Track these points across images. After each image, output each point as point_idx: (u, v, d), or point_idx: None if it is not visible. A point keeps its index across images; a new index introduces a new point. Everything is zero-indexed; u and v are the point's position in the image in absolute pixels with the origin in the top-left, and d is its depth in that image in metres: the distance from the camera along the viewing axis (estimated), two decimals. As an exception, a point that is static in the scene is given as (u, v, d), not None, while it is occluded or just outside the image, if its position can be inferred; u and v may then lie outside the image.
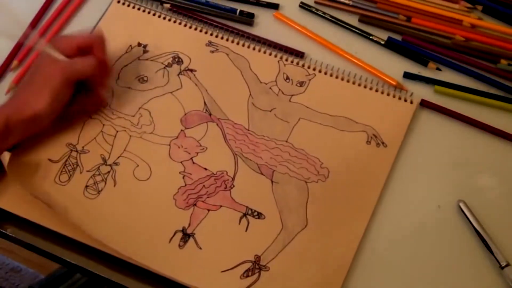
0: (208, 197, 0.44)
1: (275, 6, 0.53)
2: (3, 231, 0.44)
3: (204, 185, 0.45)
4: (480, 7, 0.52)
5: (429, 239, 0.43)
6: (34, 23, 0.53)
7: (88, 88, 0.46)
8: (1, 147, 0.42)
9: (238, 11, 0.52)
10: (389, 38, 0.51)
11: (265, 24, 0.52)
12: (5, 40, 0.51)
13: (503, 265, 0.41)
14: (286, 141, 0.47)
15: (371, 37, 0.51)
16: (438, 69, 0.50)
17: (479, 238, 0.42)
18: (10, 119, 0.41)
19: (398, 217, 0.44)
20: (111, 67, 0.47)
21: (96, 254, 0.42)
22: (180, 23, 0.52)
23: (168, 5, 0.53)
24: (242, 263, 0.42)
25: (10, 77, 0.50)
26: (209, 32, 0.51)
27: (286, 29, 0.52)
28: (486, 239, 0.42)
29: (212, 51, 0.51)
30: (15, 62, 0.51)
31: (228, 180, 0.45)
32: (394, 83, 0.49)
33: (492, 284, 0.41)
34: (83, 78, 0.44)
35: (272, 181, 0.45)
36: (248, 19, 0.52)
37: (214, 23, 0.52)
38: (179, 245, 0.42)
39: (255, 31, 0.52)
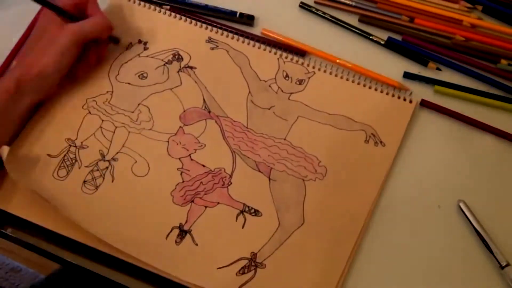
0: (205, 194, 0.44)
1: (250, 22, 0.52)
2: (3, 231, 0.44)
3: (201, 182, 0.45)
4: (480, 7, 0.52)
5: (429, 239, 0.42)
6: (35, 21, 0.53)
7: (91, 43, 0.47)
8: (17, 109, 0.44)
9: (238, 13, 0.52)
10: (389, 38, 0.51)
11: (265, 25, 0.53)
12: (6, 39, 0.52)
13: (503, 265, 0.41)
14: (285, 139, 0.46)
15: (371, 37, 0.51)
16: (438, 69, 0.50)
17: (479, 238, 0.42)
18: (20, 80, 0.43)
19: (397, 216, 0.43)
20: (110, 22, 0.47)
21: (96, 254, 0.42)
22: (180, 19, 0.52)
23: (167, 7, 0.53)
24: (238, 260, 0.41)
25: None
26: (209, 28, 0.52)
27: (286, 31, 0.52)
28: (486, 239, 0.41)
29: (212, 48, 0.51)
30: (14, 63, 0.51)
31: (225, 177, 0.45)
32: (396, 84, 0.49)
33: (492, 284, 0.41)
34: (91, 40, 0.45)
35: (269, 179, 0.45)
36: (248, 20, 0.52)
37: (214, 24, 0.52)
38: (176, 242, 0.42)
39: (256, 31, 0.52)
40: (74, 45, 0.44)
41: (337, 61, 0.50)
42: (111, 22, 0.47)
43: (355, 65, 0.50)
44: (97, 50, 0.48)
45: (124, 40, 0.51)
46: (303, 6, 0.53)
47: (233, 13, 0.53)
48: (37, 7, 0.54)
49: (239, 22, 0.52)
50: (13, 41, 0.52)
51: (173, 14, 0.52)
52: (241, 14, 0.52)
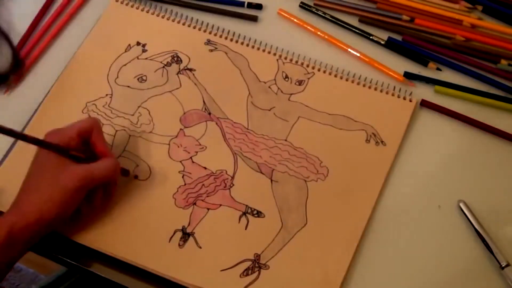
0: (207, 196, 0.44)
1: (254, 18, 0.52)
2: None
3: (203, 184, 0.45)
4: (480, 7, 0.52)
5: (429, 239, 0.43)
6: (34, 24, 0.53)
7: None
8: (5, 259, 0.37)
9: (246, 3, 0.52)
10: (389, 38, 0.51)
11: (269, 20, 0.52)
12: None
13: (503, 265, 0.41)
14: (285, 140, 0.46)
15: (371, 37, 0.51)
16: (438, 69, 0.50)
17: (479, 238, 0.42)
18: (13, 228, 0.37)
19: (397, 216, 0.44)
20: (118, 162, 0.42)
21: (96, 254, 0.42)
22: (178, 22, 0.52)
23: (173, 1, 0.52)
24: (241, 261, 0.42)
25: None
26: (208, 30, 0.51)
27: (289, 26, 0.52)
28: (486, 239, 0.42)
29: (211, 50, 0.51)
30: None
31: (227, 179, 0.45)
32: (400, 78, 0.49)
33: (492, 284, 0.41)
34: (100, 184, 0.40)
35: (271, 180, 0.45)
36: (254, 14, 0.52)
37: (213, 26, 0.52)
38: (179, 245, 0.42)
39: (259, 27, 0.52)
40: (80, 192, 0.38)
41: (349, 50, 0.50)
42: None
43: (363, 54, 0.50)
44: (106, 191, 0.42)
45: (123, 42, 0.51)
46: (303, 6, 0.53)
47: (240, 3, 0.52)
48: (37, 7, 0.53)
49: (243, 17, 0.52)
50: (14, 40, 0.51)
51: (171, 18, 0.52)
52: (249, 3, 0.52)
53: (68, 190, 0.38)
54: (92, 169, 0.39)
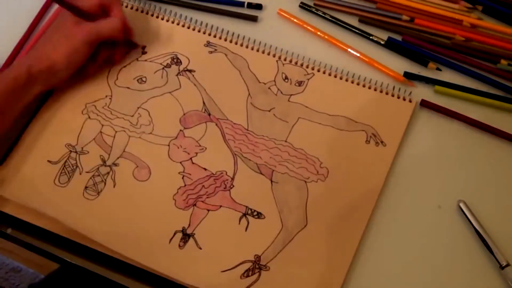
0: (207, 197, 0.44)
1: (254, 19, 0.52)
2: (3, 231, 0.44)
3: (203, 185, 0.45)
4: (480, 7, 0.52)
5: (429, 239, 0.43)
6: (34, 24, 0.53)
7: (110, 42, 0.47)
8: (25, 98, 0.44)
9: (246, 3, 0.52)
10: (389, 38, 0.51)
11: (269, 20, 0.52)
12: (6, 40, 0.51)
13: (503, 265, 0.41)
14: (285, 141, 0.46)
15: (371, 37, 0.51)
16: (438, 69, 0.50)
17: (479, 238, 0.42)
18: (31, 70, 0.43)
19: (398, 217, 0.44)
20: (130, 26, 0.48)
21: (96, 254, 0.42)
22: (178, 24, 0.52)
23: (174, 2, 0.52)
24: (242, 263, 0.42)
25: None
26: (207, 32, 0.51)
27: (289, 26, 0.52)
28: (486, 239, 0.42)
29: (211, 52, 0.50)
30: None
31: (227, 180, 0.45)
32: (400, 78, 0.49)
33: (492, 284, 0.41)
34: (105, 40, 0.46)
35: (271, 181, 0.45)
36: (253, 14, 0.52)
37: (212, 27, 0.52)
38: (179, 246, 0.42)
39: (259, 27, 0.52)
40: (87, 44, 0.45)
41: (348, 50, 0.50)
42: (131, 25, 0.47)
43: (363, 54, 0.50)
44: (110, 51, 0.48)
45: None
46: (303, 6, 0.53)
47: (240, 3, 0.52)
48: (37, 6, 0.53)
49: (243, 17, 0.52)
50: (13, 41, 0.51)
51: (170, 19, 0.52)
52: (249, 4, 0.52)
53: (76, 42, 0.44)
54: (97, 24, 0.45)
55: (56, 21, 0.48)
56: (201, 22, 0.52)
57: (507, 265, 0.41)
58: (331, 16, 0.52)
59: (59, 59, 0.44)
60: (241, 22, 0.52)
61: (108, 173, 0.45)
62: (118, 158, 0.46)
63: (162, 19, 0.52)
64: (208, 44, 0.51)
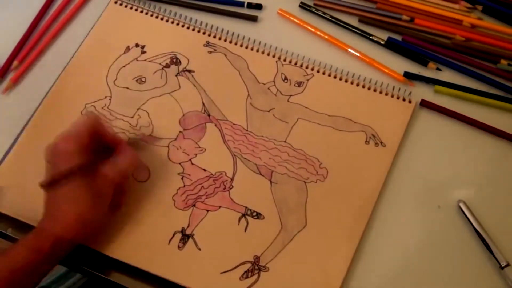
0: (207, 198, 0.44)
1: (254, 19, 0.52)
2: (3, 231, 0.44)
3: (203, 186, 0.45)
4: (480, 7, 0.52)
5: (429, 239, 0.43)
6: (34, 24, 0.53)
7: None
8: (48, 267, 0.38)
9: (246, 3, 0.52)
10: (389, 38, 0.51)
11: (269, 20, 0.52)
12: (6, 40, 0.51)
13: (503, 265, 0.41)
14: (285, 142, 0.46)
15: (371, 37, 0.51)
16: (438, 69, 0.50)
17: (479, 238, 0.42)
18: (57, 237, 0.37)
19: (397, 217, 0.44)
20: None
21: (96, 254, 0.42)
22: (177, 24, 0.52)
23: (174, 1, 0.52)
24: (241, 264, 0.42)
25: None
26: (207, 32, 0.51)
27: (289, 26, 0.52)
28: (486, 239, 0.42)
29: (210, 52, 0.50)
30: (15, 63, 0.51)
31: (227, 180, 0.45)
32: (400, 78, 0.49)
33: (492, 284, 0.41)
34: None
35: (271, 182, 0.45)
36: (253, 14, 0.52)
37: (211, 27, 0.52)
38: (178, 246, 0.42)
39: (258, 27, 0.52)
40: (111, 188, 0.40)
41: (348, 50, 0.50)
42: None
43: (363, 54, 0.50)
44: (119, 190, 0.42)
45: (122, 44, 0.51)
46: (303, 6, 0.53)
47: (240, 3, 0.52)
48: (37, 6, 0.53)
49: (243, 17, 0.52)
50: (13, 41, 0.51)
51: (170, 19, 0.52)
52: (249, 4, 0.52)
53: (107, 194, 0.40)
54: (117, 167, 0.40)
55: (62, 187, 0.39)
56: (201, 22, 0.52)
57: (507, 265, 0.41)
58: (331, 16, 0.52)
59: (96, 215, 0.39)
60: (241, 22, 0.52)
61: (107, 173, 0.45)
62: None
63: (162, 19, 0.52)
64: (207, 44, 0.51)
